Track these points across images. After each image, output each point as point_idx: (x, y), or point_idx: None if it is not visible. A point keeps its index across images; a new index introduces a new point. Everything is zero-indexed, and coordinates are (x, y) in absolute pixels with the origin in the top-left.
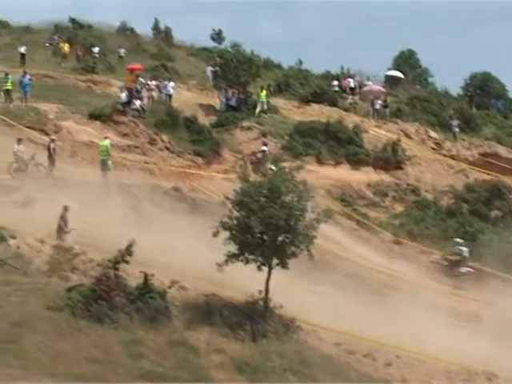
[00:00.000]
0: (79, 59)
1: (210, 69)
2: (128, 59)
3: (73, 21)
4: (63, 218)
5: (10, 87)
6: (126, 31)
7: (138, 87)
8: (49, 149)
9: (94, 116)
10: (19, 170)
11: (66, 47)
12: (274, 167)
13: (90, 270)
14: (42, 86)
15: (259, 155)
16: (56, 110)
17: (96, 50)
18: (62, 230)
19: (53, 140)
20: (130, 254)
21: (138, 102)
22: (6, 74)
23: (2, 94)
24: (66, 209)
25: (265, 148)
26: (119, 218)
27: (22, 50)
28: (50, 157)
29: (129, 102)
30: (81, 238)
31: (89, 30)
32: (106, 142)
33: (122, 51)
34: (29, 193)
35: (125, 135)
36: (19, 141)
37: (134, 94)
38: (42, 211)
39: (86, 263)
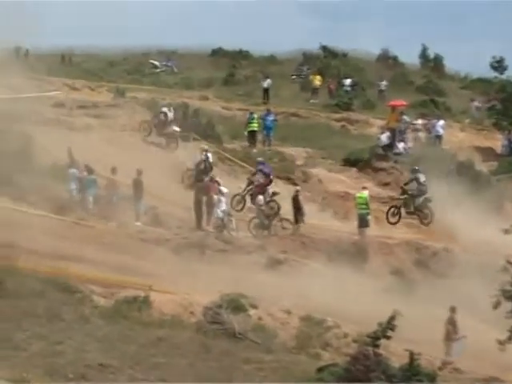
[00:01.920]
0: (332, 94)
1: (475, 104)
2: (390, 94)
3: (324, 49)
4: (452, 322)
5: (255, 128)
6: (387, 60)
7: (402, 127)
8: (295, 201)
9: (350, 162)
10: (261, 226)
11: (316, 80)
12: None
13: (345, 347)
14: (288, 126)
15: None
16: (304, 154)
17: (347, 82)
18: (449, 337)
19: (298, 191)
20: (393, 329)
21: (401, 145)
22: (251, 113)
23: (246, 136)
24: (453, 310)
25: None
26: (379, 285)
27: (266, 84)
28: (297, 210)
29: (391, 145)
30: (334, 308)
31: (343, 59)
32: (364, 194)
33: (383, 84)
34: (272, 253)
35: (386, 185)
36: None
37: (396, 135)
38: (289, 275)
39: (340, 339)
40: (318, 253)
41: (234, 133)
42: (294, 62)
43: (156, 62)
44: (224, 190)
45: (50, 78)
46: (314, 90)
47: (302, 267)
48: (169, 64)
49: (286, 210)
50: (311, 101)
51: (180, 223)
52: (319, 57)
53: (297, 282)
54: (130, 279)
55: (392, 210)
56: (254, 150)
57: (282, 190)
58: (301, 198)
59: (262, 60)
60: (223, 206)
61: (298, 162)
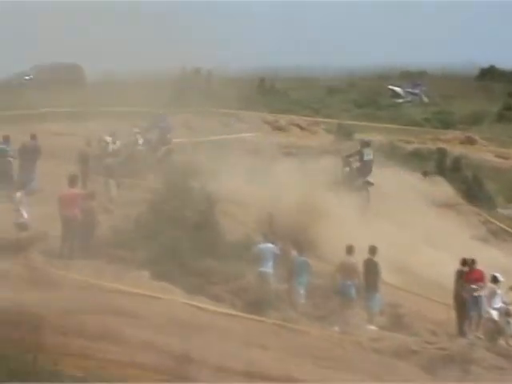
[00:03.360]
0: None
1: None
2: None
3: None
4: None
5: None
6: None
7: None
8: None
9: None
10: None
11: None
12: None
13: None
14: None
15: None
16: None
17: None
18: None
19: None
20: None
21: None
22: None
23: None
24: None
25: None
26: None
27: None
28: None
29: None
30: None
31: None
32: None
33: None
34: None
35: None
36: None
37: None
38: None
39: None
40: None
41: None
42: None
43: (397, 89)
44: (500, 277)
45: (243, 112)
46: None
47: None
48: (416, 91)
49: None
50: None
51: (433, 327)
52: None
53: None
54: None
55: None
56: None
57: None
58: None
59: None
60: (498, 302)
61: None
